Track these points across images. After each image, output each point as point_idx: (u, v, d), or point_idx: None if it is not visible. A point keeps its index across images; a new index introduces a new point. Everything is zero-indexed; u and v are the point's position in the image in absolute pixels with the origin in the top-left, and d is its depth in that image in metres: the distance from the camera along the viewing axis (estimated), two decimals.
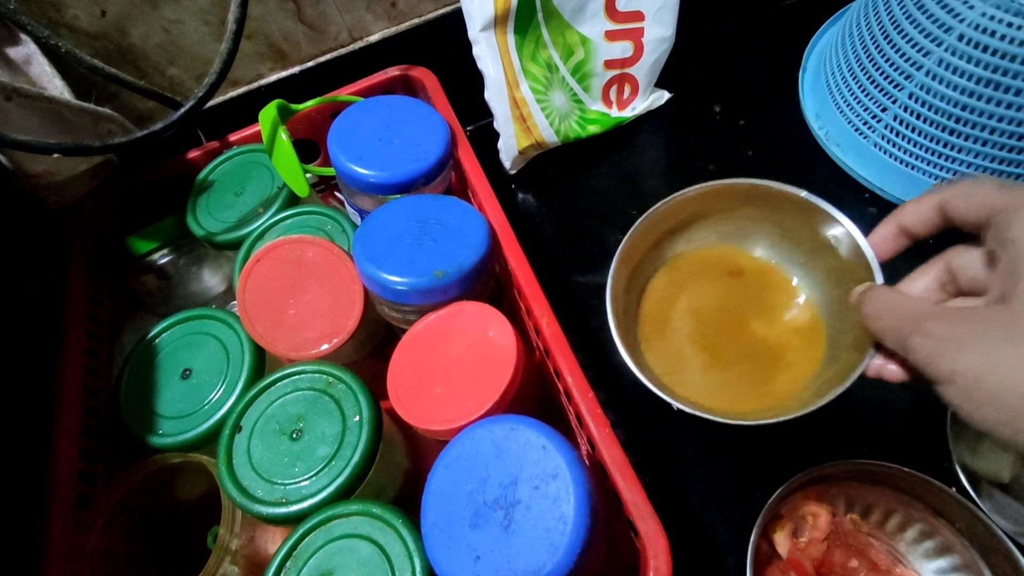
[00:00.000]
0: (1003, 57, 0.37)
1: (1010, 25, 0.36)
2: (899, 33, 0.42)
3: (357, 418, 0.32)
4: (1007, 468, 0.34)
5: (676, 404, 0.32)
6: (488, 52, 0.47)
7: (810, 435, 0.37)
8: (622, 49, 0.50)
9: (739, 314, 0.39)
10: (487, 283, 0.36)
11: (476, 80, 0.49)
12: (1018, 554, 0.29)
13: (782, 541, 0.34)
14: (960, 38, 0.38)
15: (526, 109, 0.49)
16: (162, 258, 0.45)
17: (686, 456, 0.39)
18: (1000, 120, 0.39)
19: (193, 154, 0.45)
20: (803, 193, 0.35)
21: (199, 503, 0.36)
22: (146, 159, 0.45)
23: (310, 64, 0.50)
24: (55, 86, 0.38)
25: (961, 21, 0.38)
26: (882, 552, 0.34)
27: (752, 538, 0.31)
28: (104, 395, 0.38)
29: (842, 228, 0.33)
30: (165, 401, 0.36)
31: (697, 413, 0.32)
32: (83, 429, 0.35)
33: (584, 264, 0.49)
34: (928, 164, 0.43)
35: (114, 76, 0.40)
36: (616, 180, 0.53)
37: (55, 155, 0.35)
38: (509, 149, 0.51)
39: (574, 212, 0.52)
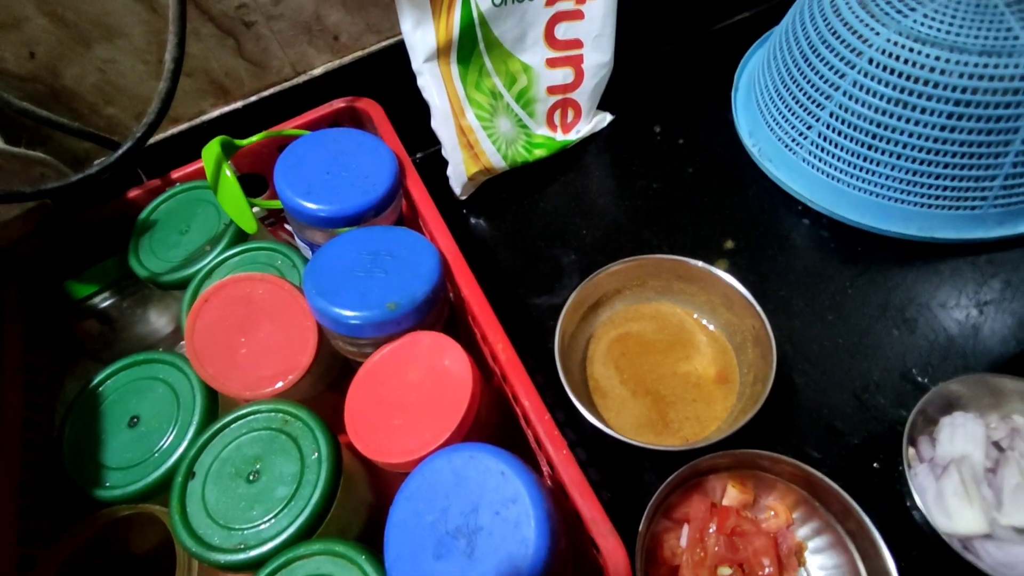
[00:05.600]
0: (908, 79, 0.40)
1: (911, 50, 0.40)
2: (817, 57, 0.45)
3: (316, 455, 0.32)
4: (983, 518, 0.33)
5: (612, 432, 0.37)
6: (432, 82, 0.48)
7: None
8: (563, 75, 0.52)
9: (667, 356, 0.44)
10: (441, 312, 0.37)
11: (423, 108, 0.50)
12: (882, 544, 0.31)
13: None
14: (870, 62, 0.42)
15: (473, 136, 0.50)
16: (103, 301, 0.43)
17: (644, 469, 0.40)
18: (911, 136, 0.42)
19: (134, 193, 0.44)
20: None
21: (155, 556, 0.34)
22: (86, 200, 0.43)
23: (253, 99, 0.49)
24: None
25: (870, 46, 0.41)
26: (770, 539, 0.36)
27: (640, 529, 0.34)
28: (46, 449, 0.36)
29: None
30: (112, 451, 0.35)
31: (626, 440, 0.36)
32: (23, 486, 0.33)
33: (539, 286, 0.50)
34: (851, 177, 0.46)
35: (46, 119, 0.39)
36: (565, 201, 0.55)
37: None
38: (458, 176, 0.52)
39: (526, 234, 0.53)
